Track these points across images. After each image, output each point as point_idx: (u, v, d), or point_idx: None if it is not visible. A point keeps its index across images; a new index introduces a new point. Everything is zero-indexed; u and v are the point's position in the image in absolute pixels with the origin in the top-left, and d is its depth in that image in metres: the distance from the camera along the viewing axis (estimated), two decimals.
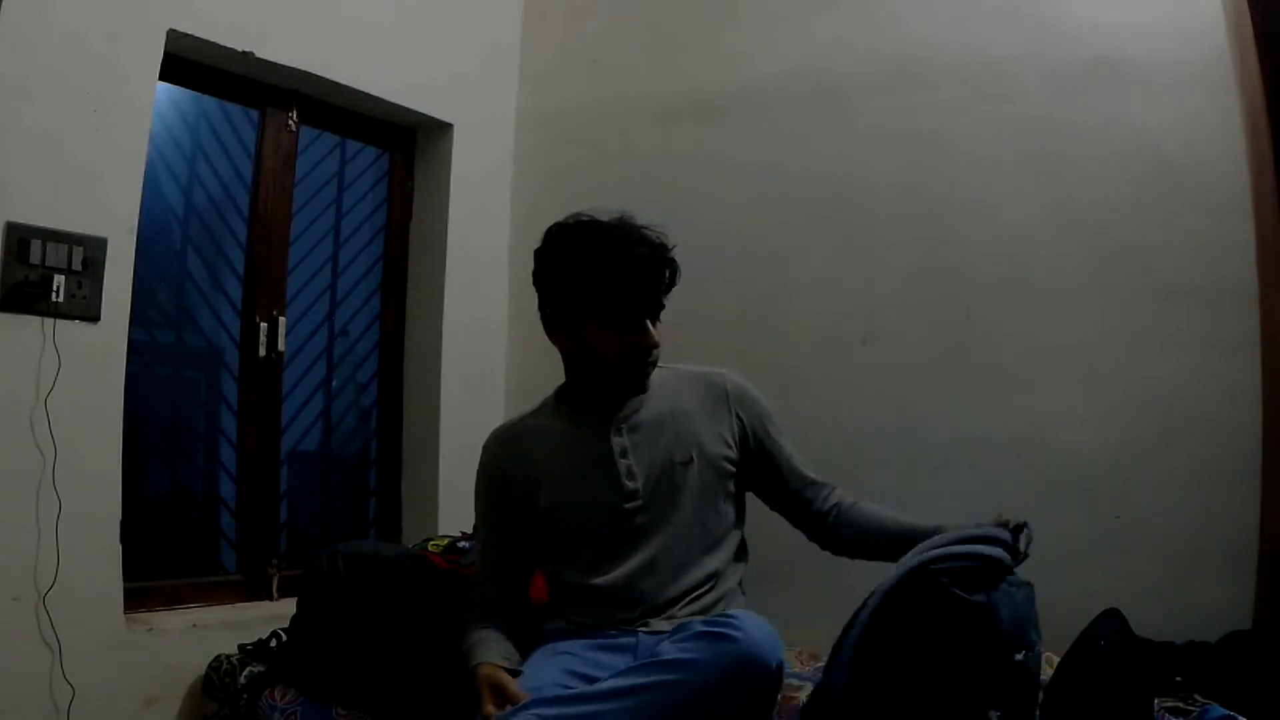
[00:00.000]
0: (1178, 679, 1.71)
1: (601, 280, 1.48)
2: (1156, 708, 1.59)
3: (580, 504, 1.56)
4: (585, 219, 1.54)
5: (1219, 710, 1.57)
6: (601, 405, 1.59)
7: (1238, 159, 2.05)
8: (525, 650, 1.53)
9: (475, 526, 1.72)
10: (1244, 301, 2.03)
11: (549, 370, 2.83)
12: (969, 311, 2.29)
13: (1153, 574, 2.03)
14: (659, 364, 1.59)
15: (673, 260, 1.52)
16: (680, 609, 1.51)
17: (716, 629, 1.28)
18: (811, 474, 1.68)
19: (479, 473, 1.66)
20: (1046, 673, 1.87)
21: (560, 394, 1.66)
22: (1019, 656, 1.41)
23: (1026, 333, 2.23)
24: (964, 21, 2.36)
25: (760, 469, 1.66)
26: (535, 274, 1.59)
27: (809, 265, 2.48)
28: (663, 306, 1.55)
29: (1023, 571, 1.49)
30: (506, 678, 1.40)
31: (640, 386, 1.58)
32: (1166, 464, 2.07)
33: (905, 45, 2.43)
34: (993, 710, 1.37)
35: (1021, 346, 2.24)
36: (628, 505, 1.53)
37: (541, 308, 1.58)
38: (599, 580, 1.53)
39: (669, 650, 1.28)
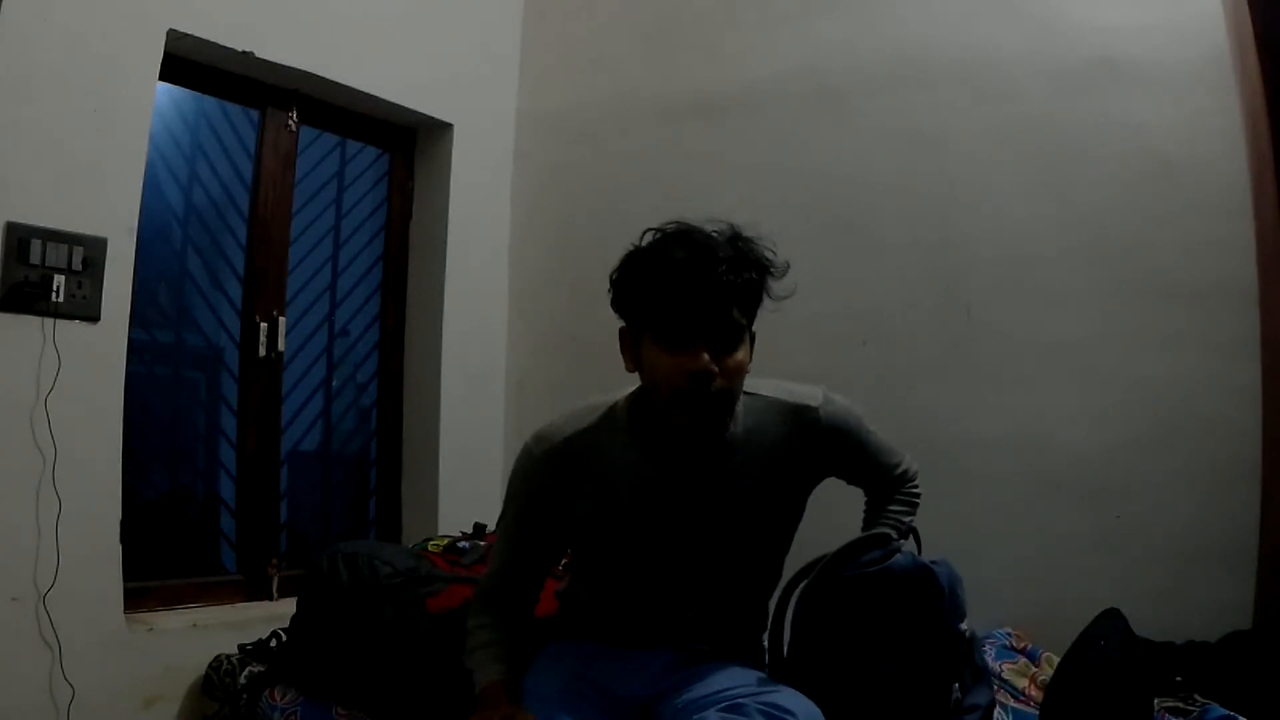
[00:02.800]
0: (1178, 679, 1.71)
1: (650, 283, 1.33)
2: (1156, 708, 1.59)
3: (633, 537, 1.44)
4: (667, 227, 1.40)
5: (1219, 710, 1.57)
6: (675, 445, 1.40)
7: (1238, 159, 2.05)
8: (528, 655, 1.49)
9: (499, 528, 1.58)
10: (1244, 301, 2.03)
11: (549, 370, 2.85)
12: (969, 311, 2.29)
13: (1153, 574, 2.03)
14: (746, 390, 1.40)
15: (725, 273, 1.30)
16: (706, 632, 1.47)
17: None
18: (885, 463, 1.56)
19: (518, 483, 1.47)
20: (1046, 672, 1.87)
21: (633, 411, 1.43)
22: (963, 626, 1.45)
23: (1027, 333, 2.23)
24: (964, 21, 2.36)
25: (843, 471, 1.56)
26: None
27: (809, 265, 2.45)
28: (736, 329, 1.33)
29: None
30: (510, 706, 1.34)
31: (700, 425, 1.35)
32: (1166, 464, 2.07)
33: (905, 45, 2.43)
34: (955, 683, 1.40)
35: (1021, 346, 2.24)
36: (686, 545, 1.43)
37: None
38: (628, 597, 1.48)
39: None
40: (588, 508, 1.43)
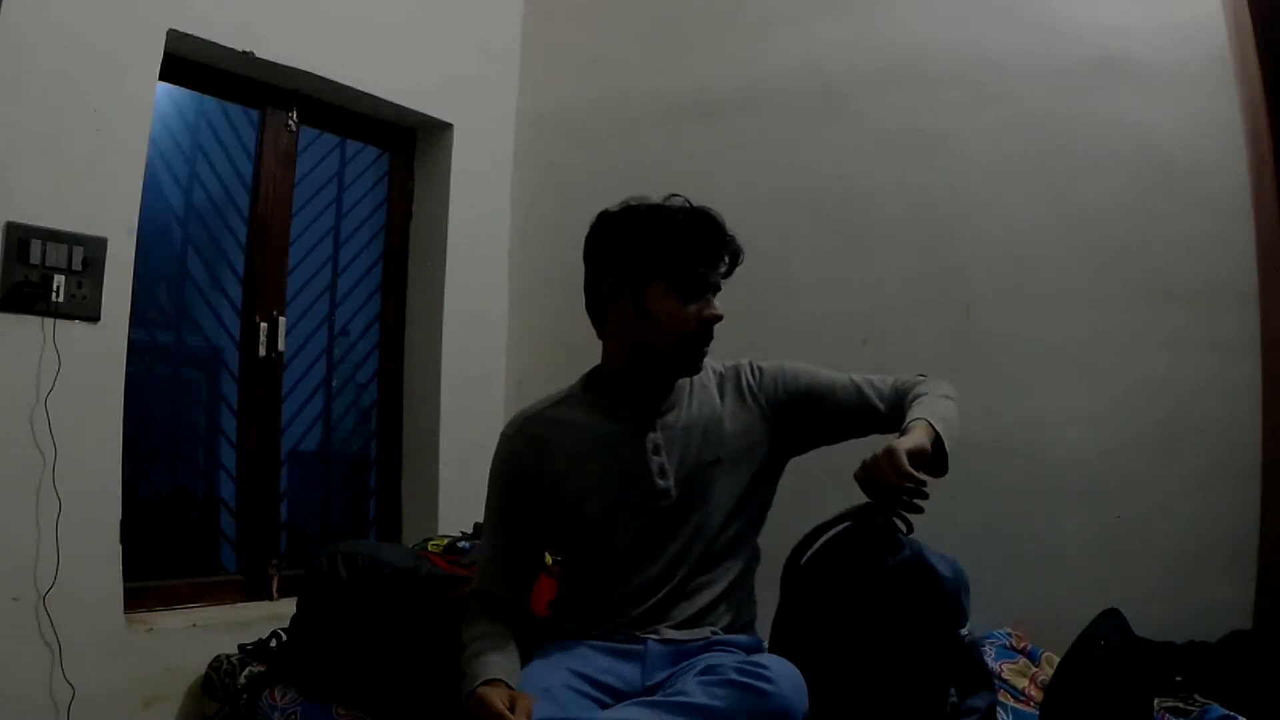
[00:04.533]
0: (1178, 679, 1.71)
1: (671, 236, 1.46)
2: (1156, 708, 1.59)
3: (608, 502, 1.50)
4: (643, 199, 1.53)
5: (1219, 710, 1.58)
6: (637, 400, 1.53)
7: (1238, 160, 2.05)
8: (526, 655, 1.48)
9: (485, 519, 1.64)
10: (1244, 302, 2.03)
11: (549, 370, 2.83)
12: (970, 312, 2.29)
13: (1153, 574, 2.03)
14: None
15: (735, 239, 1.52)
16: (698, 619, 1.48)
17: (748, 679, 1.25)
18: (875, 380, 1.60)
19: (497, 465, 1.59)
20: (1046, 672, 1.87)
21: (589, 384, 1.59)
22: (964, 632, 1.45)
23: (1027, 333, 2.23)
24: (964, 21, 2.36)
25: (808, 416, 1.58)
26: (592, 248, 1.54)
27: (809, 265, 2.48)
28: (719, 287, 1.51)
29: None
30: (504, 710, 1.31)
31: (694, 367, 1.52)
32: (1166, 464, 2.07)
33: (905, 45, 2.43)
34: (951, 687, 1.40)
35: (1022, 346, 2.24)
36: (659, 504, 1.49)
37: (597, 283, 1.52)
38: (617, 579, 1.50)
39: (697, 693, 1.25)
40: (567, 477, 1.52)
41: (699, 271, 1.47)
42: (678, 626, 1.47)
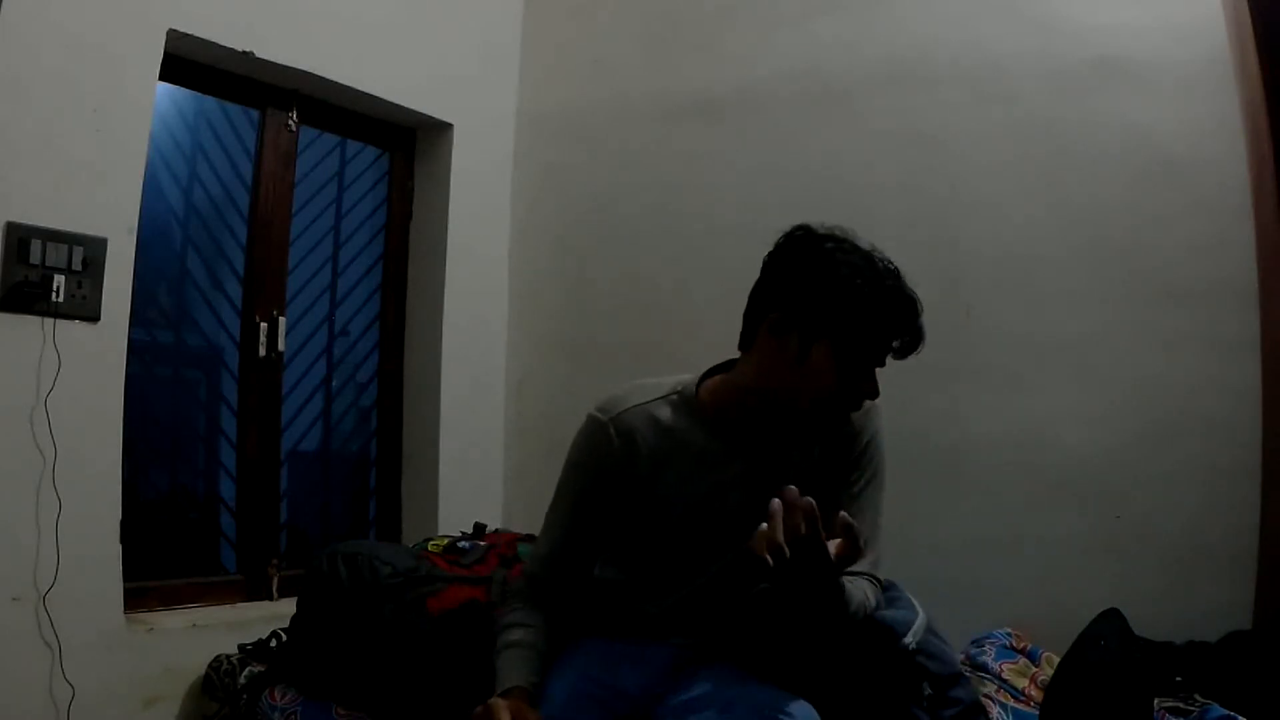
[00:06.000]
0: (1178, 679, 1.71)
1: (872, 309, 1.34)
2: (1156, 708, 1.59)
3: (681, 514, 1.44)
4: (848, 237, 1.42)
5: (1219, 710, 1.57)
6: (747, 427, 1.43)
7: (1238, 159, 2.05)
8: (560, 647, 1.48)
9: (555, 502, 1.53)
10: (1244, 302, 2.03)
11: (549, 370, 2.85)
12: (969, 311, 2.29)
13: (1153, 574, 2.03)
14: None
15: (922, 328, 1.40)
16: (713, 633, 1.47)
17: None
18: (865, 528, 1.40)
19: (586, 453, 1.47)
20: (1046, 672, 1.88)
21: (704, 392, 1.46)
22: (906, 641, 1.45)
23: (1027, 333, 2.23)
24: (964, 21, 2.36)
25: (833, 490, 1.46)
26: (779, 269, 1.42)
27: None
28: (882, 364, 1.40)
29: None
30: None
31: (827, 432, 1.42)
32: (1166, 464, 2.07)
33: (905, 45, 2.43)
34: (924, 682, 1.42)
35: (1021, 346, 2.24)
36: (721, 534, 1.42)
37: (767, 306, 1.40)
38: (658, 587, 1.48)
39: None
40: (657, 478, 1.43)
41: (877, 345, 1.37)
42: (693, 635, 1.47)
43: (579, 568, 1.51)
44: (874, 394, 1.39)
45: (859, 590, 1.37)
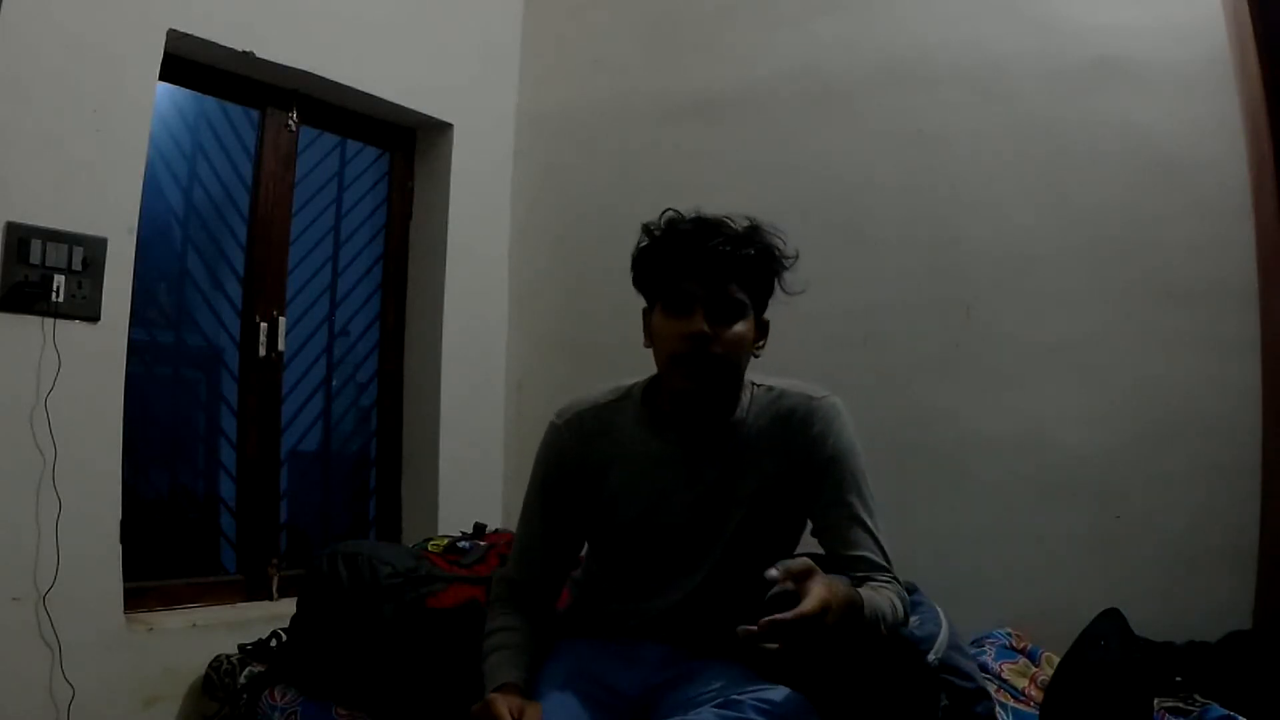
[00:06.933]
0: (1178, 679, 1.71)
1: (648, 253, 1.43)
2: (1156, 708, 1.59)
3: (638, 514, 1.47)
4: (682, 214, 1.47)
5: (1219, 710, 1.57)
6: (683, 422, 1.46)
7: (1238, 160, 2.05)
8: (547, 648, 1.49)
9: (524, 506, 1.57)
10: (1244, 302, 2.03)
11: (549, 370, 2.85)
12: (969, 311, 2.29)
13: (1153, 574, 2.03)
14: (764, 384, 1.47)
15: (721, 244, 1.37)
16: (701, 633, 1.46)
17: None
18: (858, 551, 1.39)
19: (543, 452, 1.53)
20: (1046, 672, 1.88)
21: (648, 395, 1.50)
22: (931, 657, 1.45)
23: (1026, 333, 2.23)
24: (964, 21, 2.36)
25: (806, 507, 1.48)
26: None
27: (809, 265, 2.46)
28: (735, 304, 1.39)
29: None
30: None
31: (699, 392, 1.40)
32: (1166, 464, 2.07)
33: (905, 45, 2.43)
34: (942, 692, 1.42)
35: (1021, 346, 2.24)
36: (678, 531, 1.46)
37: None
38: (632, 589, 1.50)
39: None
40: (605, 479, 1.48)
41: (681, 286, 1.38)
42: (683, 628, 1.47)
43: (553, 569, 1.54)
44: (693, 332, 1.35)
45: (884, 600, 1.33)
